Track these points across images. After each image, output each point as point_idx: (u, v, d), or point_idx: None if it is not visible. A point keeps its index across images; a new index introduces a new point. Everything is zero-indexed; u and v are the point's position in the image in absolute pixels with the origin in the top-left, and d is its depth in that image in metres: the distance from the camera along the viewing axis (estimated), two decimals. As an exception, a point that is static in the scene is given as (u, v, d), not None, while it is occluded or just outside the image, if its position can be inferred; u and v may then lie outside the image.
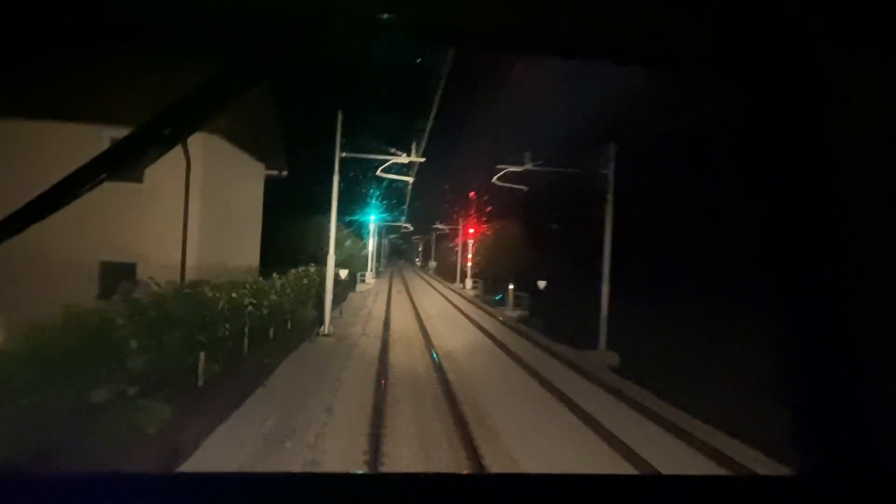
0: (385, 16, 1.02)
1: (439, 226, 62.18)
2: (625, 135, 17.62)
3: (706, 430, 9.80)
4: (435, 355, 15.09)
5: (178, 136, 1.03)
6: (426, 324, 21.85)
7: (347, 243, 39.19)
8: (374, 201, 47.76)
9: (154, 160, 1.04)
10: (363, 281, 40.31)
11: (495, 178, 18.53)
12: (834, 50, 1.03)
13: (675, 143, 19.23)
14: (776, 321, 1.16)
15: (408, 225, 63.30)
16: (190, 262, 12.22)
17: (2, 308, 7.08)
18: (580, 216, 25.32)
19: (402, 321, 22.93)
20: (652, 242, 20.53)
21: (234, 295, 10.67)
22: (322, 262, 26.66)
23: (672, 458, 8.30)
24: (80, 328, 6.33)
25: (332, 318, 21.10)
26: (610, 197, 17.43)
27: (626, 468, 7.83)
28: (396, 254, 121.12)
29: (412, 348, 16.68)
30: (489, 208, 44.71)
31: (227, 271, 13.10)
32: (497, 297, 29.85)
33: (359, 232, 47.54)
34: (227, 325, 10.43)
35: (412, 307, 28.81)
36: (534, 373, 13.67)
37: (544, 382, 12.74)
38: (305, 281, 18.70)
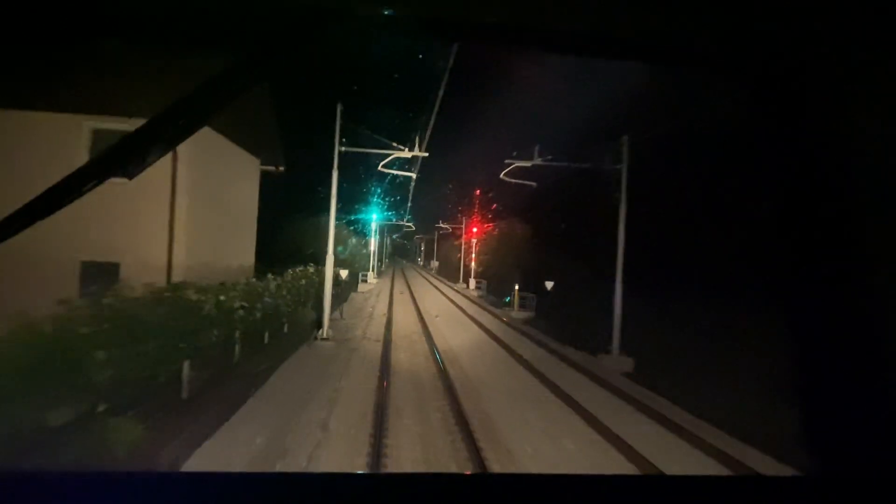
0: (387, 12, 1.05)
1: (442, 225, 61.31)
2: (637, 129, 16.69)
3: (736, 445, 8.97)
4: (439, 360, 14.24)
5: (179, 136, 1.07)
6: (429, 326, 20.99)
7: (349, 243, 38.35)
8: (375, 200, 47.02)
9: (156, 160, 1.06)
10: (365, 281, 39.55)
11: (503, 173, 17.67)
12: (835, 49, 1.03)
13: (687, 139, 18.38)
14: (788, 323, 1.15)
15: (410, 224, 62.50)
16: (177, 262, 11.37)
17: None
18: (589, 213, 24.46)
19: (405, 323, 22.07)
20: (665, 241, 19.62)
21: (221, 298, 9.81)
22: (322, 262, 25.88)
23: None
24: (33, 340, 5.48)
25: (332, 320, 20.27)
26: (623, 192, 16.53)
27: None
28: (398, 253, 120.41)
29: (415, 352, 15.82)
30: (494, 206, 43.86)
31: (218, 272, 12.25)
32: (506, 300, 28.91)
33: (360, 231, 46.79)
34: (215, 331, 9.57)
35: (415, 308, 27.96)
36: (546, 380, 12.80)
37: (558, 392, 11.87)
38: (304, 282, 17.84)
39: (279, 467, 7.10)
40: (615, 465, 7.99)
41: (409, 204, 50.39)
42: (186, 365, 9.08)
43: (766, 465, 8.07)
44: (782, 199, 1.16)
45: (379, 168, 17.28)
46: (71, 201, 0.96)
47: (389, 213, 56.20)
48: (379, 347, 15.74)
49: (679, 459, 8.21)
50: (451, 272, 59.46)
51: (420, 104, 19.61)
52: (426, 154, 16.94)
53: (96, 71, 11.36)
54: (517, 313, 28.35)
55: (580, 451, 8.45)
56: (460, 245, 51.88)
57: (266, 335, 13.81)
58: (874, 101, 1.02)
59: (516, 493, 1.04)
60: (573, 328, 21.15)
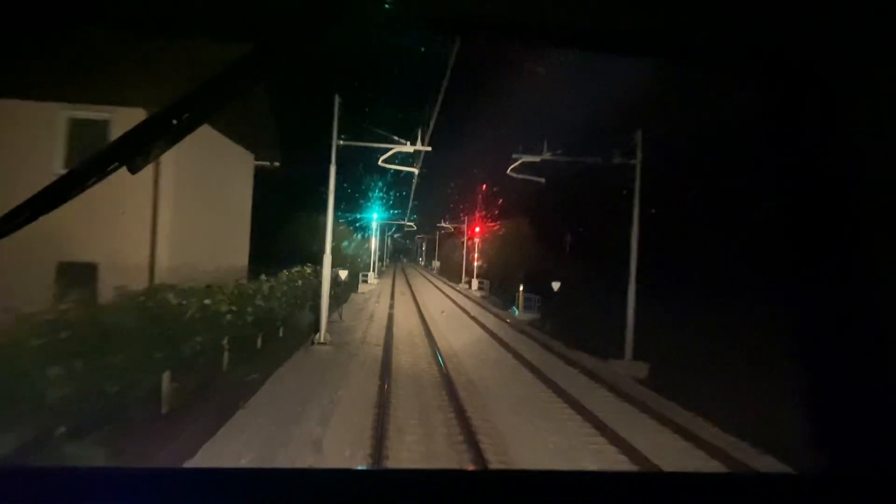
0: (388, 8, 1.03)
1: (444, 224, 60.45)
2: (647, 125, 15.84)
3: (766, 459, 8.18)
4: (443, 366, 13.40)
5: (183, 131, 1.06)
6: (432, 328, 20.14)
7: (348, 242, 37.51)
8: (376, 198, 46.23)
9: (160, 154, 1.05)
10: (365, 281, 38.77)
11: (510, 168, 16.80)
12: (838, 47, 1.03)
13: (695, 136, 17.54)
14: (794, 322, 1.16)
15: (411, 223, 61.65)
16: (161, 263, 10.52)
17: None
18: (597, 211, 23.60)
19: (406, 325, 21.23)
20: (671, 240, 18.75)
21: (206, 302, 8.96)
22: (321, 262, 25.02)
23: None
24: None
25: (330, 323, 19.43)
26: (637, 189, 15.67)
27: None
28: (400, 253, 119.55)
29: (417, 357, 14.98)
30: (499, 201, 43.01)
31: (207, 273, 11.39)
32: (514, 311, 27.98)
33: (361, 230, 45.96)
34: (199, 338, 8.73)
35: (416, 309, 27.11)
36: (557, 388, 11.95)
37: (571, 401, 11.02)
38: (300, 283, 16.99)
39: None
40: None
41: (411, 203, 49.58)
42: (166, 376, 8.25)
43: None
44: (788, 198, 1.15)
45: (379, 163, 16.43)
46: (74, 196, 0.96)
47: (391, 212, 55.41)
48: (379, 352, 14.89)
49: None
50: (452, 272, 58.62)
51: (423, 97, 18.78)
52: (429, 148, 16.10)
53: (74, 57, 10.50)
54: (521, 315, 27.51)
55: (602, 472, 7.60)
56: (462, 245, 51.02)
57: (259, 340, 12.98)
58: (878, 98, 1.01)
59: (516, 489, 1.04)
60: (581, 331, 20.29)
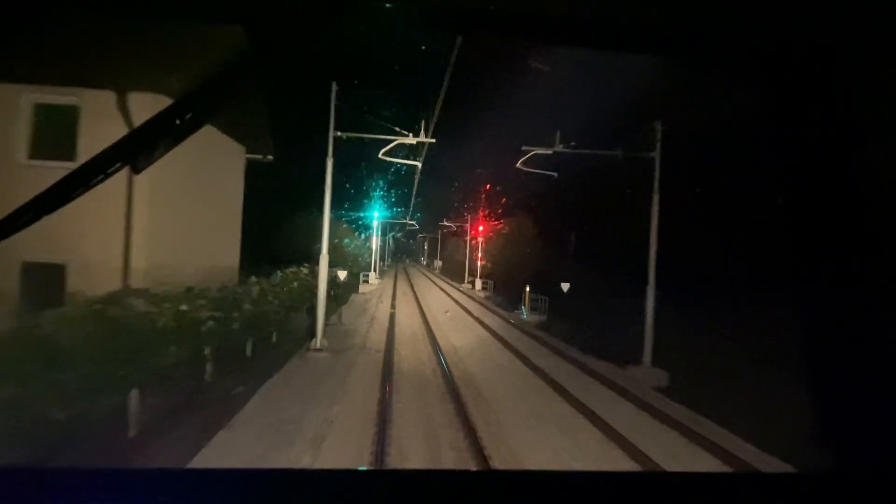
0: (389, 5, 1.05)
1: (446, 223, 59.35)
2: (670, 115, 14.77)
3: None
4: (449, 375, 12.34)
5: (186, 131, 1.05)
6: (435, 332, 19.08)
7: (348, 241, 36.47)
8: (377, 197, 45.22)
9: (163, 154, 1.06)
10: (366, 281, 37.77)
11: (520, 161, 15.72)
12: (843, 46, 1.03)
13: (707, 132, 16.47)
14: (803, 321, 1.18)
15: (413, 222, 60.58)
16: (136, 264, 9.47)
17: None
18: (609, 208, 22.54)
19: (409, 329, 20.17)
20: (698, 238, 17.68)
21: (183, 308, 7.91)
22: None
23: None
24: None
25: (329, 326, 18.42)
26: (656, 184, 14.59)
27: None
28: (402, 252, 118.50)
29: (421, 365, 13.92)
30: (504, 199, 41.92)
31: (191, 275, 10.35)
32: (523, 316, 26.79)
33: (362, 229, 44.93)
34: (173, 349, 7.68)
35: (419, 311, 26.06)
36: (574, 400, 10.89)
37: (590, 415, 9.97)
38: (296, 284, 15.93)
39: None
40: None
41: (413, 200, 48.50)
42: (135, 395, 7.19)
43: None
44: (789, 198, 1.17)
45: (380, 155, 15.34)
46: (78, 196, 0.97)
47: (393, 211, 54.38)
48: (380, 359, 13.83)
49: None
50: (455, 271, 57.60)
51: (426, 85, 17.72)
52: (432, 140, 15.03)
53: (39, 34, 9.42)
54: (528, 316, 26.45)
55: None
56: (465, 244, 49.94)
57: (249, 348, 11.92)
58: (878, 98, 1.00)
59: (519, 489, 1.04)
60: (593, 334, 19.21)
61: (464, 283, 47.78)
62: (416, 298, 32.76)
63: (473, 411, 9.74)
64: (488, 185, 45.45)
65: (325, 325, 18.47)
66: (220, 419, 8.44)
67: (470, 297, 37.21)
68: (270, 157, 15.40)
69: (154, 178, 9.69)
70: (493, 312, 28.16)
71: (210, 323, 8.88)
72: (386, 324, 20.72)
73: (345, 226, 36.80)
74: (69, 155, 9.28)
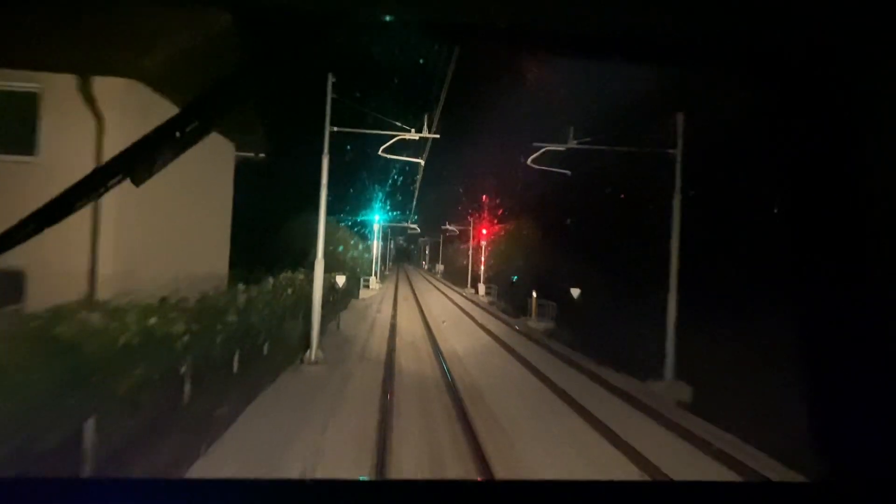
0: (388, 18, 1.08)
1: (449, 227, 58.24)
2: (693, 108, 13.73)
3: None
4: (456, 390, 11.28)
5: (187, 142, 1.06)
6: (439, 341, 18.01)
7: (348, 246, 35.43)
8: (378, 199, 44.25)
9: (163, 166, 1.08)
10: (367, 286, 36.74)
11: (530, 158, 14.68)
12: (843, 47, 1.03)
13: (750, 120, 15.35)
14: (805, 323, 1.21)
15: (415, 226, 59.47)
16: (105, 270, 8.42)
17: None
18: (623, 208, 21.51)
19: (411, 337, 19.09)
20: (722, 241, 16.59)
21: (152, 322, 6.86)
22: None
23: None
24: None
25: (327, 334, 17.38)
26: (678, 181, 13.53)
27: None
28: (403, 256, 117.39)
29: (425, 379, 12.84)
30: (506, 204, 40.87)
31: (169, 283, 9.27)
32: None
33: (362, 234, 43.91)
34: (140, 370, 6.63)
35: (421, 318, 25.00)
36: (596, 422, 9.82)
37: (612, 437, 8.91)
38: (290, 291, 14.87)
39: None
40: None
41: (415, 201, 47.43)
42: (91, 423, 6.13)
43: None
44: (789, 198, 1.21)
45: (380, 152, 14.29)
46: (80, 208, 1.00)
47: (393, 215, 53.37)
48: (380, 373, 12.76)
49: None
50: (456, 275, 56.54)
51: (429, 80, 16.70)
52: (436, 136, 14.01)
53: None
54: (535, 323, 25.37)
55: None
56: (467, 248, 48.86)
57: (235, 362, 10.85)
58: (878, 99, 1.00)
59: (523, 499, 1.03)
60: (606, 344, 18.10)
61: (467, 287, 46.70)
62: (418, 303, 31.70)
63: (484, 435, 8.66)
64: (492, 187, 44.41)
65: (323, 333, 17.41)
66: (196, 447, 7.39)
67: (473, 301, 36.14)
68: (263, 155, 14.35)
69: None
70: (498, 319, 27.10)
71: (186, 338, 7.81)
72: (386, 332, 19.66)
73: (343, 230, 35.74)
74: (28, 149, 8.25)
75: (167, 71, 8.36)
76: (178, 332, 7.59)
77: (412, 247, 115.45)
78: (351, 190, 40.94)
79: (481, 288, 42.39)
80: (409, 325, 22.49)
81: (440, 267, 79.07)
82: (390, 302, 31.83)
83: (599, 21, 1.05)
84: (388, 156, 14.54)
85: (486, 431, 8.91)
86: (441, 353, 15.76)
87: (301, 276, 16.86)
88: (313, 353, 13.08)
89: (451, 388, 11.56)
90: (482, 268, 44.74)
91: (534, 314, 26.18)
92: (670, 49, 1.15)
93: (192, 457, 7.12)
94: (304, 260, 19.71)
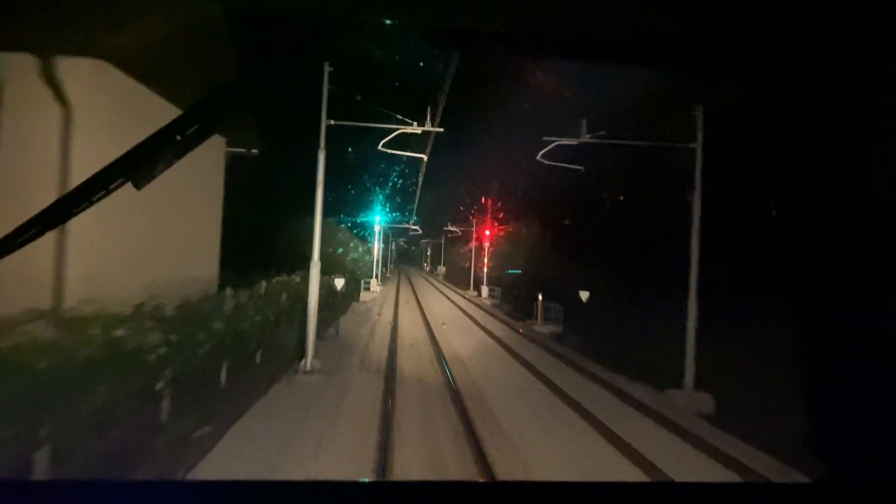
0: (389, 22, 1.13)
1: (451, 228, 57.36)
2: (712, 98, 12.88)
3: None
4: (462, 402, 10.43)
5: (188, 146, 1.06)
6: (443, 347, 17.16)
7: (348, 247, 34.58)
8: (379, 200, 43.44)
9: (164, 170, 1.08)
10: (367, 289, 35.89)
11: (541, 153, 13.83)
12: (843, 47, 1.03)
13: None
14: (803, 324, 1.27)
15: (416, 227, 58.66)
16: (73, 272, 7.56)
17: None
18: (634, 206, 20.66)
19: (413, 343, 18.24)
20: (724, 241, 15.69)
21: (117, 334, 6.01)
22: (321, 270, 21.82)
23: None
24: None
25: (325, 340, 16.56)
26: (698, 177, 12.67)
27: None
28: (404, 258, 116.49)
29: (428, 389, 12.00)
30: (512, 200, 39.99)
31: (148, 287, 8.42)
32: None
33: (363, 235, 43.07)
34: (103, 389, 5.78)
35: (423, 322, 24.14)
36: (615, 438, 8.97)
37: (638, 458, 8.06)
38: (285, 295, 14.02)
39: None
40: None
41: (415, 206, 46.57)
42: (46, 451, 5.28)
43: None
44: (789, 197, 1.25)
45: (380, 147, 13.42)
46: (81, 211, 1.00)
47: (394, 216, 52.52)
48: (380, 383, 11.90)
49: None
50: (458, 277, 55.70)
51: (432, 73, 15.88)
52: (440, 129, 13.15)
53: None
54: (541, 327, 24.50)
55: None
56: (469, 250, 47.98)
57: (223, 374, 10.00)
58: (879, 99, 0.99)
59: (526, 500, 1.03)
60: (617, 349, 17.21)
61: (469, 289, 45.83)
62: (420, 307, 30.85)
63: (495, 457, 7.80)
64: (496, 186, 43.53)
65: (321, 338, 16.57)
66: (172, 474, 6.54)
67: (476, 304, 35.29)
68: (255, 151, 13.50)
69: (97, 166, 7.79)
70: (503, 322, 26.24)
71: (162, 350, 6.96)
72: (387, 337, 18.80)
73: (342, 232, 34.90)
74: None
75: (142, 54, 7.51)
76: (152, 344, 6.74)
77: (413, 248, 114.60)
78: (351, 190, 40.11)
79: (484, 290, 41.54)
80: (410, 329, 21.64)
81: (442, 269, 78.19)
82: (391, 305, 30.99)
83: (600, 24, 1.04)
84: (390, 150, 13.68)
85: (498, 453, 8.04)
86: (445, 360, 14.90)
87: (297, 280, 16.01)
88: (309, 361, 12.22)
89: (457, 401, 10.70)
90: (485, 269, 43.88)
91: (539, 317, 25.32)
92: (672, 52, 1.15)
93: (167, 486, 6.27)
94: (303, 262, 18.86)
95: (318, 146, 12.49)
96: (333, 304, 22.30)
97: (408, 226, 54.31)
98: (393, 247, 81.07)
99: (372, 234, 42.95)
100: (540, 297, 25.74)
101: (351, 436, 8.42)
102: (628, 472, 7.79)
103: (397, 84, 18.74)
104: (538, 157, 13.76)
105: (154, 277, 8.87)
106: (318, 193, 12.21)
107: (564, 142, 13.23)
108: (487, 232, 44.20)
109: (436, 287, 53.51)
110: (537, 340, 20.55)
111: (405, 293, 41.22)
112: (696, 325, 12.86)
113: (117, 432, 6.55)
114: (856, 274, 1.09)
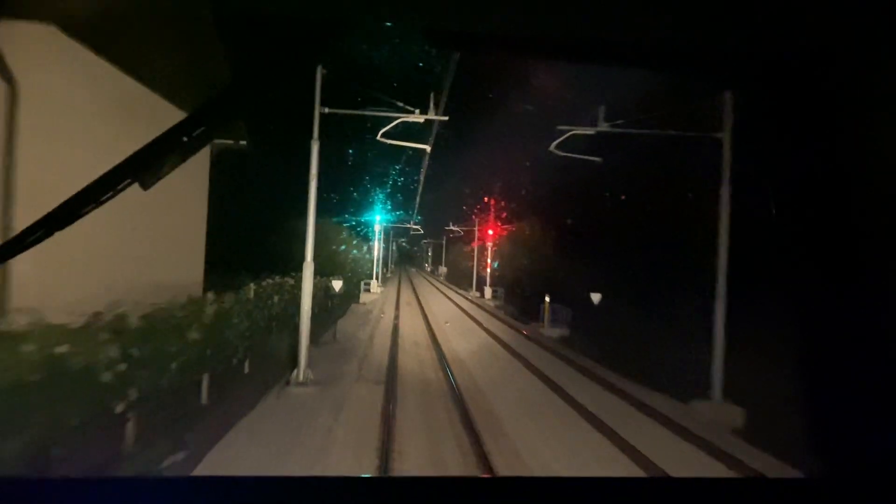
0: (389, 25, 1.13)
1: (453, 227, 56.31)
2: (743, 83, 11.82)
3: None
4: (469, 414, 9.39)
5: (194, 147, 1.06)
6: (446, 353, 16.11)
7: (346, 248, 33.54)
8: (379, 199, 42.47)
9: (170, 171, 1.07)
10: (368, 290, 34.91)
11: (554, 144, 12.75)
12: (843, 47, 1.02)
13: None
14: (797, 320, 1.26)
15: (417, 227, 57.65)
16: (22, 277, 6.49)
17: None
18: (650, 202, 19.59)
19: (415, 348, 17.20)
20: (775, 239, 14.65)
21: (59, 351, 4.96)
22: (323, 271, 20.71)
23: None
24: None
25: (321, 345, 15.59)
26: (727, 169, 11.61)
27: None
28: (405, 258, 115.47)
29: (432, 399, 10.98)
30: (516, 199, 38.91)
31: (116, 292, 7.34)
32: None
33: (363, 235, 42.04)
34: (41, 415, 4.73)
35: (426, 325, 23.09)
36: (639, 457, 7.94)
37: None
38: (276, 298, 12.97)
39: None
40: None
41: (416, 205, 45.47)
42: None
43: None
44: (788, 199, 1.21)
45: (379, 136, 12.33)
46: (88, 212, 1.00)
47: (395, 215, 51.49)
48: (379, 396, 10.84)
49: None
50: (460, 278, 54.68)
51: (436, 61, 14.83)
52: (445, 118, 12.09)
53: None
54: (548, 330, 23.45)
55: None
56: (472, 250, 46.91)
57: (204, 389, 8.96)
58: (879, 99, 0.98)
59: (526, 495, 1.02)
60: (631, 355, 16.14)
61: (472, 290, 44.77)
62: (422, 309, 29.80)
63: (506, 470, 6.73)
64: (501, 183, 42.46)
65: (317, 344, 15.56)
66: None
67: (479, 306, 34.25)
68: (244, 143, 12.45)
69: (58, 159, 6.76)
70: (508, 325, 25.19)
71: (122, 367, 5.91)
72: (388, 342, 17.74)
73: (341, 232, 33.87)
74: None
75: (96, 14, 6.44)
76: (107, 361, 5.69)
77: (415, 248, 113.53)
78: (351, 188, 39.09)
79: (487, 291, 40.50)
80: (412, 333, 20.59)
81: (443, 269, 77.15)
82: (392, 307, 29.95)
83: (598, 27, 1.00)
84: (390, 141, 12.59)
85: (509, 464, 6.97)
86: (450, 367, 13.85)
87: (292, 282, 14.95)
88: (302, 371, 11.17)
89: (467, 421, 9.62)
90: (488, 270, 42.82)
91: (546, 320, 24.26)
92: (671, 53, 1.09)
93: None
94: (299, 263, 17.76)
95: (318, 141, 11.43)
96: (331, 308, 21.27)
97: (409, 225, 53.28)
98: (394, 247, 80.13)
99: (372, 233, 41.94)
100: (547, 299, 24.69)
101: (349, 456, 7.40)
102: None
103: (399, 72, 17.67)
104: (551, 148, 12.67)
105: (122, 282, 7.82)
106: (311, 187, 11.15)
107: (580, 131, 12.17)
108: (490, 231, 43.12)
109: (437, 288, 52.48)
110: (546, 345, 19.50)
111: (406, 294, 40.19)
112: (724, 333, 11.76)
113: (67, 465, 5.49)
114: (855, 274, 1.06)
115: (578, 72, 16.61)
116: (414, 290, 46.03)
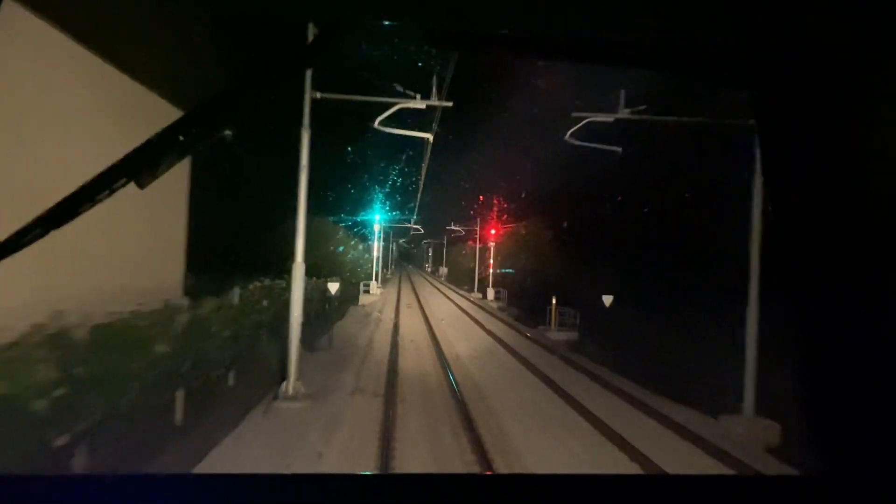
0: (389, 24, 1.08)
1: (454, 227, 55.22)
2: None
3: None
4: (476, 432, 8.36)
5: (191, 145, 1.03)
6: (449, 359, 15.05)
7: (345, 248, 32.50)
8: (379, 198, 41.51)
9: (167, 169, 1.04)
10: (367, 292, 33.82)
11: (570, 132, 11.69)
12: (844, 48, 1.02)
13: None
14: (791, 316, 1.16)
15: (418, 227, 56.55)
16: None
17: None
18: (667, 200, 18.56)
19: (416, 356, 16.14)
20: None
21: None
22: (320, 273, 19.63)
23: None
24: None
25: (316, 352, 14.58)
26: (759, 161, 10.54)
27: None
28: (406, 259, 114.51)
29: (435, 411, 9.96)
30: (519, 197, 37.88)
31: (81, 298, 6.30)
32: None
33: (362, 235, 41.01)
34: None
35: (427, 329, 22.04)
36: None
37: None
38: (266, 303, 11.91)
39: None
40: None
41: (418, 200, 44.38)
42: None
43: None
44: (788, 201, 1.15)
45: (376, 124, 11.23)
46: (84, 211, 0.98)
47: (395, 214, 50.45)
48: (378, 410, 9.79)
49: None
50: (461, 279, 53.69)
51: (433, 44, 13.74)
52: (449, 104, 11.04)
53: None
54: (556, 334, 22.40)
55: None
56: (473, 250, 45.87)
57: (178, 408, 7.89)
58: (879, 100, 0.99)
59: (524, 493, 1.04)
60: (646, 362, 15.07)
61: (474, 291, 43.72)
62: (423, 312, 28.73)
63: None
64: (504, 180, 41.43)
65: (312, 350, 14.53)
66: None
67: (482, 308, 33.20)
68: (229, 133, 11.39)
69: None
70: (514, 329, 24.15)
71: (60, 391, 4.85)
72: (387, 349, 16.67)
73: (340, 232, 32.83)
74: None
75: (98, 19, 5.54)
76: (38, 384, 4.63)
77: (415, 248, 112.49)
78: (350, 187, 38.04)
79: (490, 293, 39.44)
80: (413, 338, 19.51)
81: (444, 270, 76.12)
82: (392, 309, 28.89)
83: (598, 27, 1.02)
84: (389, 129, 11.50)
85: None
86: (455, 378, 12.79)
87: (284, 285, 13.89)
88: (291, 384, 10.10)
89: (474, 436, 8.58)
90: (490, 271, 41.78)
91: (553, 324, 23.21)
92: (671, 53, 1.11)
93: None
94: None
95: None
96: (327, 311, 20.21)
97: (409, 225, 52.24)
98: (394, 247, 79.15)
99: (371, 233, 40.92)
100: (554, 302, 23.65)
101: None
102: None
103: (396, 58, 16.60)
104: (566, 138, 11.61)
105: (98, 287, 6.77)
106: (301, 179, 10.09)
107: (599, 118, 11.11)
108: (493, 231, 42.07)
109: (437, 288, 51.44)
110: (555, 351, 18.45)
111: (406, 296, 39.15)
112: (756, 342, 10.69)
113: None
114: (855, 274, 1.01)
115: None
116: (414, 290, 44.99)
